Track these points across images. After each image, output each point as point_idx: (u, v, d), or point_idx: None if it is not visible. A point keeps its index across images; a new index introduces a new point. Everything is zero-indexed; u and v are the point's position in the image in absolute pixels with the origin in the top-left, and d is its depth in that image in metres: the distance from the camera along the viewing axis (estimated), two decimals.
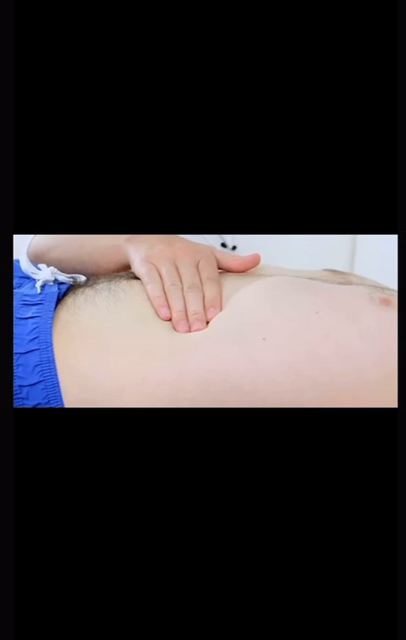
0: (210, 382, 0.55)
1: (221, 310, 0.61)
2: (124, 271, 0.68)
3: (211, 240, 1.14)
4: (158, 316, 0.61)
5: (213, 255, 0.67)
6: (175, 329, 0.60)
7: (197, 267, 0.64)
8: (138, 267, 0.65)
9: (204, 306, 0.61)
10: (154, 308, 0.61)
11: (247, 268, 0.67)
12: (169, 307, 0.61)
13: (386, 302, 0.58)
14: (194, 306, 0.61)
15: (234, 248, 1.18)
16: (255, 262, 0.67)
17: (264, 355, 0.55)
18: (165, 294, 0.62)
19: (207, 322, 0.60)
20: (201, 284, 0.63)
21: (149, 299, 0.62)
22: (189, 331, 0.59)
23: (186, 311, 0.60)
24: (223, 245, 1.15)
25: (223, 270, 0.67)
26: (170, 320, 0.60)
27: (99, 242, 0.71)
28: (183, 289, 0.62)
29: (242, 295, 0.61)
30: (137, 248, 0.67)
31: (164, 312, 0.60)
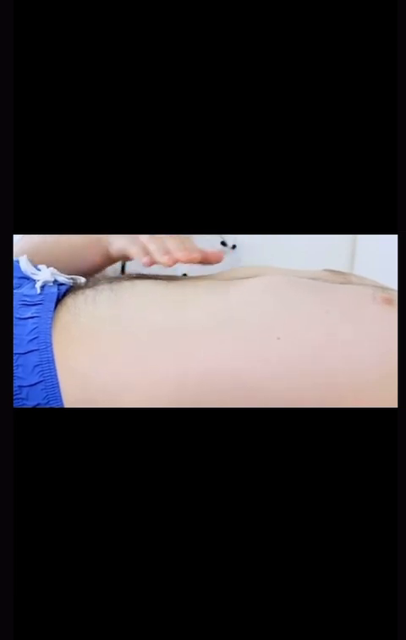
0: (216, 380, 0.55)
1: (200, 261, 0.66)
2: (107, 263, 0.73)
3: (211, 239, 1.13)
4: (141, 263, 0.65)
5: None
6: (156, 261, 0.64)
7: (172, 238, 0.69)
8: (119, 242, 0.70)
9: (187, 249, 0.65)
10: (139, 258, 0.66)
11: (213, 262, 0.70)
12: (151, 254, 0.66)
13: (388, 302, 0.58)
14: (173, 246, 0.66)
15: (234, 247, 1.17)
16: (219, 257, 0.71)
17: (276, 354, 0.56)
18: (147, 248, 0.66)
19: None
20: (181, 242, 0.67)
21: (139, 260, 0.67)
22: (174, 260, 0.64)
23: (170, 253, 0.65)
24: (223, 243, 1.15)
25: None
26: (151, 265, 0.65)
27: (75, 238, 0.74)
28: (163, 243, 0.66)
29: (248, 295, 0.61)
30: (117, 236, 0.71)
31: (146, 260, 0.65)
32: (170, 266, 0.65)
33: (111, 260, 0.74)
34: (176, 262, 0.65)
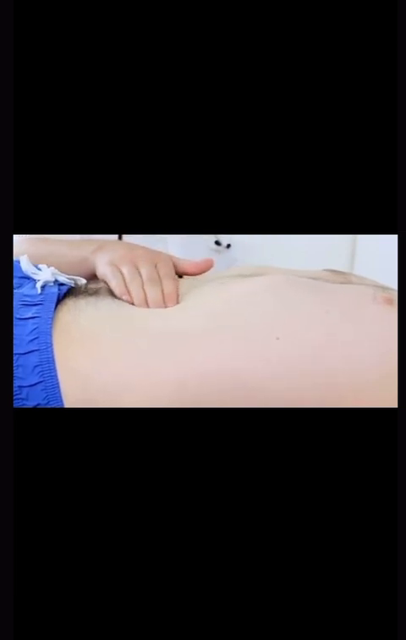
0: (216, 380, 0.55)
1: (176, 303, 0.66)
2: (92, 280, 0.72)
3: (205, 238, 1.13)
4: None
5: (170, 259, 0.72)
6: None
7: (155, 267, 0.69)
8: (102, 269, 0.69)
9: (163, 298, 0.65)
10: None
11: (201, 271, 0.72)
12: (130, 295, 0.65)
13: (388, 302, 0.58)
14: (153, 295, 0.65)
15: (229, 246, 1.17)
16: (207, 265, 0.72)
17: (276, 353, 0.56)
18: (126, 287, 0.66)
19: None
20: (160, 280, 0.67)
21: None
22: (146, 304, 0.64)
23: (146, 300, 0.65)
24: (217, 242, 1.15)
25: (180, 274, 0.72)
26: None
27: (66, 255, 0.74)
28: (142, 283, 0.66)
29: (247, 295, 0.61)
30: (101, 256, 0.71)
31: (126, 298, 0.65)
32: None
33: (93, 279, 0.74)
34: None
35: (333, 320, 0.57)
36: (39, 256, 0.72)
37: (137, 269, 0.68)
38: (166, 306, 0.65)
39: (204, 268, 0.72)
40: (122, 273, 0.68)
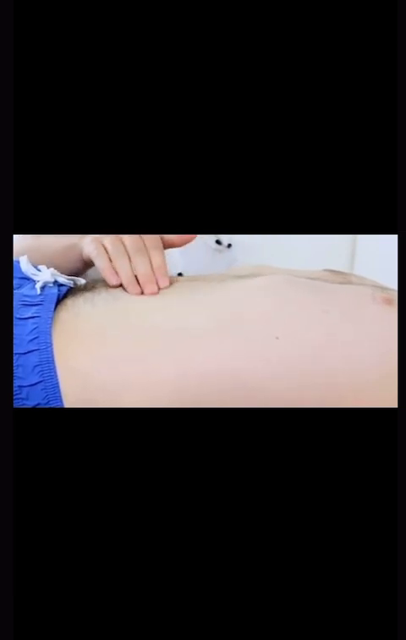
0: (216, 379, 0.55)
1: (169, 280, 0.65)
2: (86, 267, 0.72)
3: (205, 237, 1.13)
4: (109, 284, 0.64)
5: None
6: (128, 292, 0.63)
7: (140, 238, 0.67)
8: (86, 248, 0.68)
9: (153, 272, 0.64)
10: (105, 279, 0.65)
11: (185, 242, 0.70)
12: (118, 274, 0.64)
13: (388, 302, 0.58)
14: (142, 269, 0.64)
15: (230, 246, 1.17)
16: (191, 237, 0.70)
17: (276, 353, 0.56)
18: (113, 264, 0.65)
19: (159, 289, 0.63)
20: (146, 250, 0.66)
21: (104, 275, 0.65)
22: (142, 293, 0.63)
23: (136, 278, 0.64)
24: (218, 242, 1.15)
25: (166, 246, 0.70)
26: (120, 286, 0.64)
27: (54, 244, 0.73)
28: (128, 256, 0.65)
29: (247, 294, 0.61)
30: (88, 238, 0.70)
31: (114, 280, 0.64)
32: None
33: (91, 264, 0.74)
34: (142, 293, 0.64)
35: (333, 320, 0.58)
36: (29, 248, 0.72)
37: (121, 241, 0.67)
38: (157, 285, 0.63)
39: (187, 239, 0.71)
40: (106, 248, 0.66)
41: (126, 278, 0.64)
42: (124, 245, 0.66)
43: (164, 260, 0.66)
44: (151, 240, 0.67)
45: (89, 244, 0.68)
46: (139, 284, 0.64)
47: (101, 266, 0.65)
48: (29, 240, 0.75)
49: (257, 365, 0.56)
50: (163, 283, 0.64)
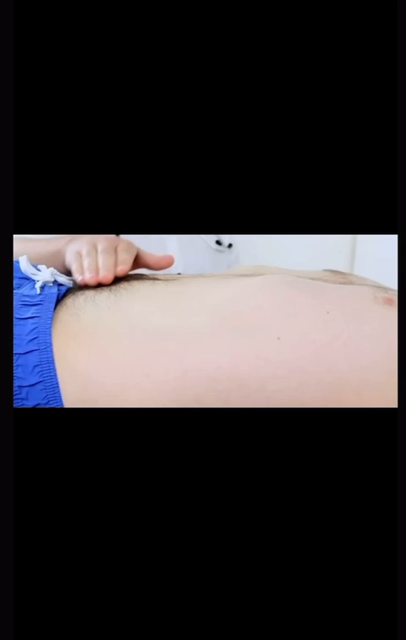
0: (216, 379, 0.55)
1: (130, 269, 0.67)
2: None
3: (206, 238, 1.13)
4: (78, 283, 0.66)
5: (135, 246, 0.73)
6: (84, 280, 0.65)
7: (115, 247, 0.70)
8: (67, 258, 0.71)
9: (115, 265, 0.66)
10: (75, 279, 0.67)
11: (160, 267, 0.73)
12: (82, 268, 0.66)
13: (389, 302, 0.58)
14: (103, 261, 0.66)
15: (230, 246, 1.17)
16: (168, 262, 0.73)
17: (277, 354, 0.56)
18: (81, 263, 0.68)
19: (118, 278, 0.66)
20: (116, 253, 0.68)
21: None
22: (97, 280, 0.65)
23: (96, 268, 0.66)
24: (218, 242, 1.15)
25: (141, 265, 0.73)
26: (85, 285, 0.65)
27: (41, 251, 0.76)
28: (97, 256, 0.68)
29: (248, 294, 0.61)
30: (71, 247, 0.73)
31: (80, 279, 0.66)
32: (93, 285, 0.66)
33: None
34: (98, 282, 0.66)
35: (335, 320, 0.57)
36: (16, 253, 0.73)
37: (95, 247, 0.69)
38: (116, 274, 0.65)
39: (163, 265, 0.73)
40: (81, 255, 0.69)
41: (87, 266, 0.66)
42: (96, 250, 0.69)
43: (130, 262, 0.68)
44: (124, 245, 0.71)
45: (69, 254, 0.71)
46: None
47: (75, 270, 0.68)
48: (17, 244, 0.76)
49: (258, 365, 0.56)
50: (121, 272, 0.66)
